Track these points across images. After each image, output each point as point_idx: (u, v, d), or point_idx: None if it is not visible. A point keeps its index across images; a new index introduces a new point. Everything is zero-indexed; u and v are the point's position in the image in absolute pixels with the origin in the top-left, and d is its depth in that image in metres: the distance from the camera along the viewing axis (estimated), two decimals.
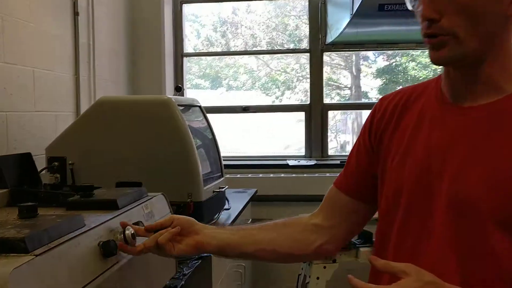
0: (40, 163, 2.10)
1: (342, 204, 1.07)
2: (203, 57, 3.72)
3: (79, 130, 1.95)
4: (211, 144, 2.20)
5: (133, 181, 1.89)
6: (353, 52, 3.61)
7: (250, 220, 2.83)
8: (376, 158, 1.01)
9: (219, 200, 2.10)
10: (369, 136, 1.03)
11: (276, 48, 3.63)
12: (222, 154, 2.24)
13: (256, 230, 1.09)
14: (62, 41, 2.47)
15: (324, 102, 3.36)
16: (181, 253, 1.01)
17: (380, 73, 3.67)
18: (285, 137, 3.73)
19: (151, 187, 1.86)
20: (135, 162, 1.87)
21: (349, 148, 3.39)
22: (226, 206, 2.26)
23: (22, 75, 2.17)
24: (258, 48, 3.60)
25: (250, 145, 3.71)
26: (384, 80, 3.68)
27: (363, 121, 1.11)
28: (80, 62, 2.59)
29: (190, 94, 3.49)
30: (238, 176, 3.10)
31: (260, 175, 3.14)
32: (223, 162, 3.13)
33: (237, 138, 3.72)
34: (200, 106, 2.18)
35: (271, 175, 3.15)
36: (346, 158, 1.11)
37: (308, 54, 3.36)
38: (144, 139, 1.87)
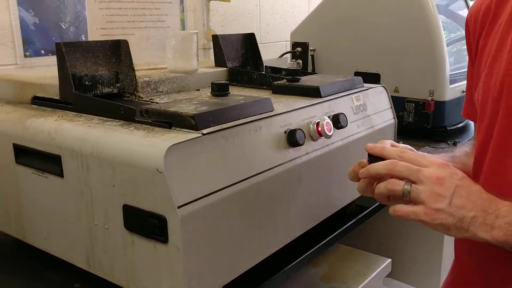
0: (288, 49, 2.12)
1: None
2: None
3: (320, 15, 1.88)
4: None
5: (371, 72, 1.78)
6: None
7: None
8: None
9: None
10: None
11: None
12: None
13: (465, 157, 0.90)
14: None
15: None
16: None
17: None
18: None
19: (389, 80, 1.71)
20: (374, 52, 1.74)
21: None
22: None
23: None
24: None
25: None
26: None
27: None
28: None
29: None
30: None
31: None
32: None
33: None
34: None
35: None
36: None
37: None
38: (385, 26, 1.70)
